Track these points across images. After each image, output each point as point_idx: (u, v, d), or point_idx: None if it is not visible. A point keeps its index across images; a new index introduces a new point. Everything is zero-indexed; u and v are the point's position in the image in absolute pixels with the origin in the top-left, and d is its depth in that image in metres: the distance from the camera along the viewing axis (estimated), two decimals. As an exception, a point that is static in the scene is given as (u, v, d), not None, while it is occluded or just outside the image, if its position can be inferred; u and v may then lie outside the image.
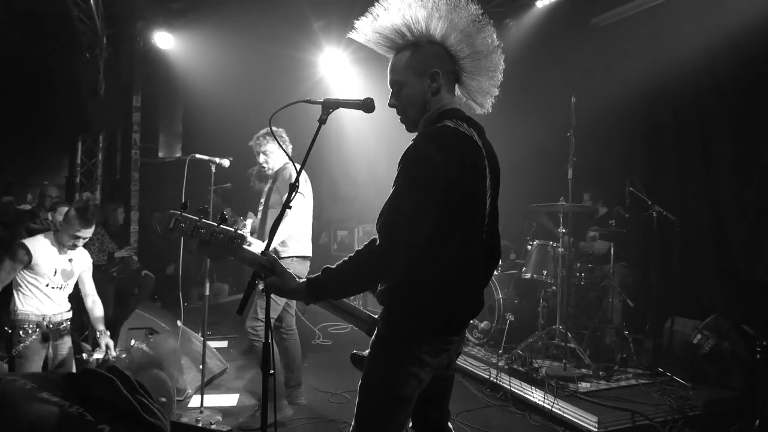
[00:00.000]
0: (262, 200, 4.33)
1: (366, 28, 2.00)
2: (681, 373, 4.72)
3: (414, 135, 2.06)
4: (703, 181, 5.68)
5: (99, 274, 6.32)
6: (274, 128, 4.24)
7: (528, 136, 6.90)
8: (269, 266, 1.90)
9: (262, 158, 4.31)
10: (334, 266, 1.84)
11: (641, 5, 6.01)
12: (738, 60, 5.25)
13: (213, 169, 4.28)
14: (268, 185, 4.31)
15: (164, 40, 7.73)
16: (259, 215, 4.32)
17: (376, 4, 1.96)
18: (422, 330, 1.89)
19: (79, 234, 3.62)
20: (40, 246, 3.63)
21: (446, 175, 1.79)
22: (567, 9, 6.41)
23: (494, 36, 1.99)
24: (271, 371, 1.92)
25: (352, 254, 1.83)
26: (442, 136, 1.85)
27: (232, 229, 1.92)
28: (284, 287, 1.89)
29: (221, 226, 1.94)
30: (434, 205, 1.79)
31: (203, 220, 1.95)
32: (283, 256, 4.08)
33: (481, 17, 1.95)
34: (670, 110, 6.09)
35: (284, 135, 4.23)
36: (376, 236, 1.79)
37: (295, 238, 4.15)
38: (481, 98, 2.08)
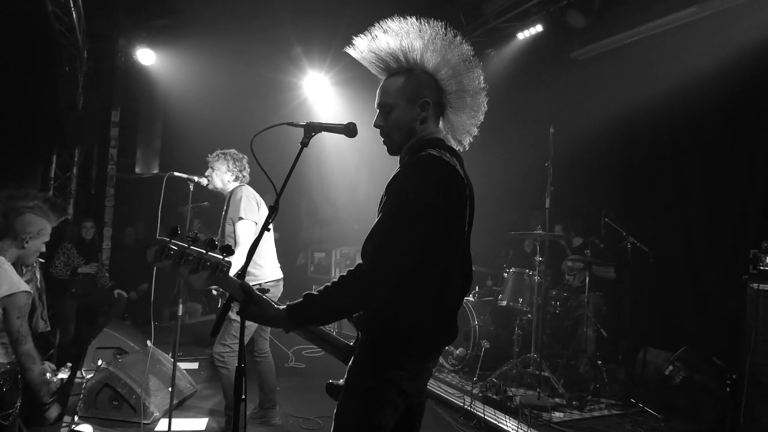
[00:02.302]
0: (220, 230, 4.29)
1: (363, 46, 2.04)
2: (653, 404, 4.74)
3: (392, 158, 2.09)
4: (677, 214, 5.79)
5: (59, 291, 6.21)
6: (233, 152, 4.29)
7: (507, 165, 6.99)
8: (247, 294, 1.87)
9: (208, 172, 4.30)
10: (315, 292, 1.81)
11: (619, 41, 6.18)
12: (710, 97, 5.41)
13: (191, 187, 4.24)
14: (222, 213, 4.27)
15: (146, 57, 7.69)
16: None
17: (376, 25, 2.01)
18: (402, 356, 1.88)
19: (47, 238, 2.89)
20: (16, 276, 2.73)
21: (432, 202, 1.81)
22: (547, 42, 6.56)
23: (482, 78, 2.06)
24: (243, 396, 1.88)
25: (335, 279, 1.80)
26: (428, 164, 1.87)
27: (221, 257, 1.88)
28: (263, 315, 1.86)
29: (209, 253, 1.88)
30: (420, 231, 1.80)
31: (192, 247, 1.89)
32: (253, 283, 4.01)
33: (471, 58, 2.02)
34: (646, 143, 6.23)
35: (245, 162, 4.28)
36: (360, 261, 1.79)
37: (257, 264, 4.07)
38: (460, 135, 2.12)
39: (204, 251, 1.88)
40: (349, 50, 2.08)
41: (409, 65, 2.01)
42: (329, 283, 1.81)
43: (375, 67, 2.08)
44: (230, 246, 1.88)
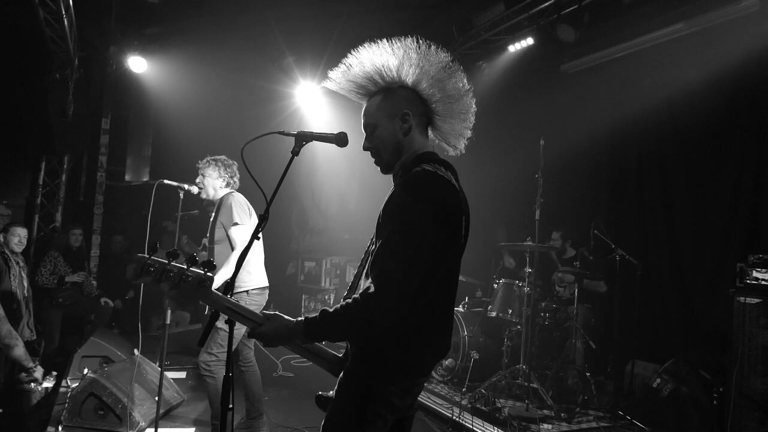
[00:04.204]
0: (208, 235, 4.26)
1: (339, 78, 2.05)
2: (641, 417, 4.75)
3: (385, 176, 2.08)
4: (664, 226, 5.84)
5: (44, 299, 6.15)
6: (224, 158, 4.29)
7: (497, 176, 7.02)
8: (249, 317, 1.84)
9: (199, 179, 4.28)
10: (331, 309, 1.80)
11: (608, 55, 6.27)
12: (697, 111, 5.49)
13: (181, 195, 4.22)
14: (211, 218, 4.25)
15: (137, 64, 7.68)
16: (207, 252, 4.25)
17: (349, 55, 2.01)
18: (394, 370, 1.86)
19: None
20: None
21: (432, 220, 1.80)
22: (538, 55, 6.62)
23: (465, 81, 2.04)
24: (230, 406, 1.86)
25: (349, 300, 1.79)
26: (423, 182, 1.86)
27: (202, 272, 1.85)
28: (278, 334, 1.83)
29: (191, 268, 1.86)
30: (424, 251, 1.78)
31: (173, 263, 1.88)
32: (240, 290, 4.00)
33: (451, 63, 2.00)
34: (634, 156, 6.28)
35: (235, 168, 4.28)
36: (371, 284, 1.77)
37: (246, 271, 4.04)
38: (454, 140, 2.11)
39: (185, 267, 1.87)
40: (328, 84, 2.08)
41: (386, 84, 2.01)
42: (344, 302, 1.80)
43: (355, 95, 2.09)
44: (212, 261, 1.86)
